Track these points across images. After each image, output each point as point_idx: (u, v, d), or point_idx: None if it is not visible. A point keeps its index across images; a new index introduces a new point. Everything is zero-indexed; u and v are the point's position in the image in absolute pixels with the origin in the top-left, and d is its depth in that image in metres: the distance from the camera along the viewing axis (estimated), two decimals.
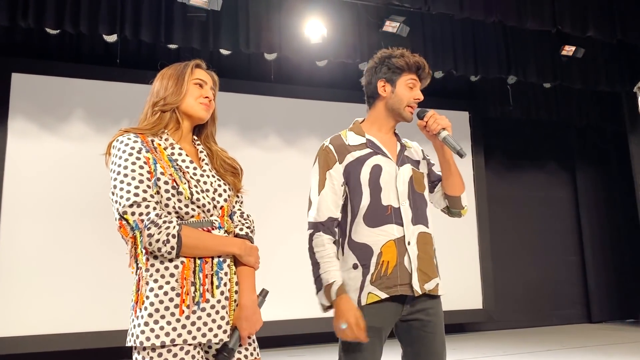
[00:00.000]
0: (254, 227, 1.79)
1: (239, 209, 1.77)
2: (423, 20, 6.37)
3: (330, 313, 1.94)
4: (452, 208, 2.14)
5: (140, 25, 5.39)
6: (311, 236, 1.97)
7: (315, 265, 1.94)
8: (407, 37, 6.13)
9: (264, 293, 1.72)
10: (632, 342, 6.33)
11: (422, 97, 2.09)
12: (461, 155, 1.97)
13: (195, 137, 1.81)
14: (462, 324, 7.36)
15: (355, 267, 1.94)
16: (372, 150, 2.03)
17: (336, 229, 2.00)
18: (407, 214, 1.98)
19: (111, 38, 5.83)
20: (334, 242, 1.98)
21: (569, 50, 6.76)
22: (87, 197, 5.81)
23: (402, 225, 1.96)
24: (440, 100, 7.61)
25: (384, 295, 1.90)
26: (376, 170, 1.99)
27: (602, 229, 8.45)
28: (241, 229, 1.73)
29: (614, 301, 8.32)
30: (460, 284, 7.17)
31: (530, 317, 7.86)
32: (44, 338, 5.50)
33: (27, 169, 5.77)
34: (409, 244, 1.95)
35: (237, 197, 1.78)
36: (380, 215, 1.95)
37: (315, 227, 1.96)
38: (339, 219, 2.01)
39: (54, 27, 5.26)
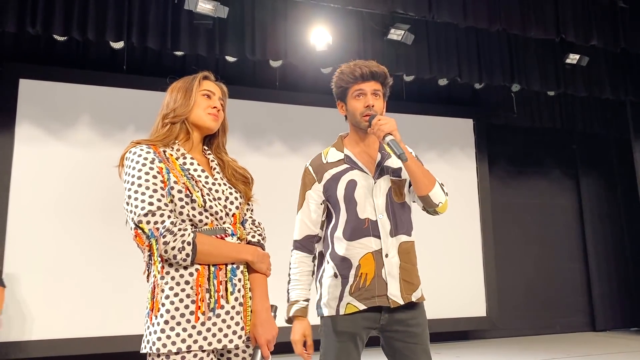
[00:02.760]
0: (265, 234, 1.82)
1: (250, 217, 1.80)
2: (427, 28, 6.40)
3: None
4: (426, 207, 2.11)
5: (147, 32, 5.43)
6: (291, 253, 2.13)
7: (288, 281, 2.11)
8: (411, 45, 6.16)
9: (273, 309, 1.73)
10: (637, 350, 6.31)
11: (371, 102, 2.06)
12: (402, 160, 1.95)
13: (206, 148, 1.84)
14: (465, 332, 7.35)
15: (335, 276, 2.04)
16: (348, 166, 2.09)
17: (317, 245, 2.12)
18: (384, 226, 2.02)
19: (118, 45, 5.88)
20: (314, 257, 2.11)
21: (573, 58, 6.77)
22: (94, 202, 5.85)
23: (380, 238, 2.00)
24: (444, 108, 7.64)
25: (362, 307, 1.98)
26: (351, 185, 2.05)
27: (606, 237, 8.44)
28: (253, 236, 1.76)
29: (618, 309, 8.29)
30: (464, 292, 7.17)
31: (533, 325, 7.84)
32: (53, 343, 5.52)
33: (33, 174, 5.80)
34: (386, 256, 1.99)
35: (248, 205, 1.81)
36: (358, 228, 2.01)
37: (294, 245, 2.11)
38: (320, 235, 2.12)
39: (62, 34, 5.30)
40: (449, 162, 7.45)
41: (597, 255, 8.38)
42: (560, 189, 8.56)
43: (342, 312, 2.00)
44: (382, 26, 6.17)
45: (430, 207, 2.08)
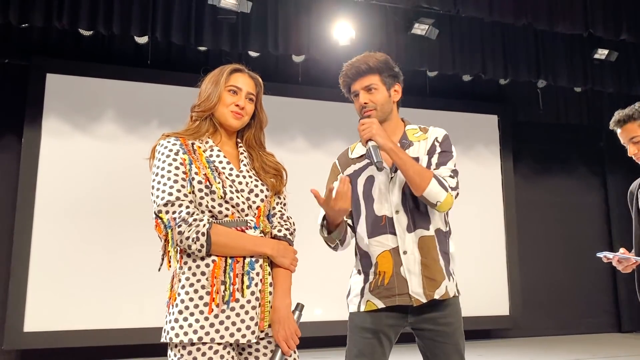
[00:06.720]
0: (294, 229, 1.79)
1: (280, 211, 1.78)
2: (452, 22, 6.32)
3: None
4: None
5: (171, 27, 5.48)
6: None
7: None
8: (436, 39, 6.09)
9: (299, 307, 1.69)
10: None
11: (364, 101, 2.05)
12: (377, 168, 1.94)
13: (240, 140, 1.84)
14: (488, 330, 7.28)
15: (359, 272, 2.06)
16: (369, 161, 2.05)
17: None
18: (401, 222, 1.97)
19: (142, 39, 5.93)
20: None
21: (601, 53, 6.63)
22: (119, 196, 5.92)
23: (396, 235, 1.96)
24: (469, 103, 7.55)
25: (381, 305, 1.96)
26: (369, 182, 2.05)
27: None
28: (279, 230, 1.73)
29: None
30: (487, 290, 7.08)
31: (558, 325, 7.72)
32: (79, 333, 5.61)
33: (60, 167, 5.89)
34: (404, 253, 1.95)
35: (279, 198, 1.79)
36: (376, 225, 2.00)
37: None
38: (351, 224, 2.11)
39: (88, 29, 5.38)
40: (473, 159, 7.36)
41: None
42: (586, 187, 8.40)
43: (362, 308, 2.00)
44: (406, 21, 6.11)
45: (429, 206, 1.98)
